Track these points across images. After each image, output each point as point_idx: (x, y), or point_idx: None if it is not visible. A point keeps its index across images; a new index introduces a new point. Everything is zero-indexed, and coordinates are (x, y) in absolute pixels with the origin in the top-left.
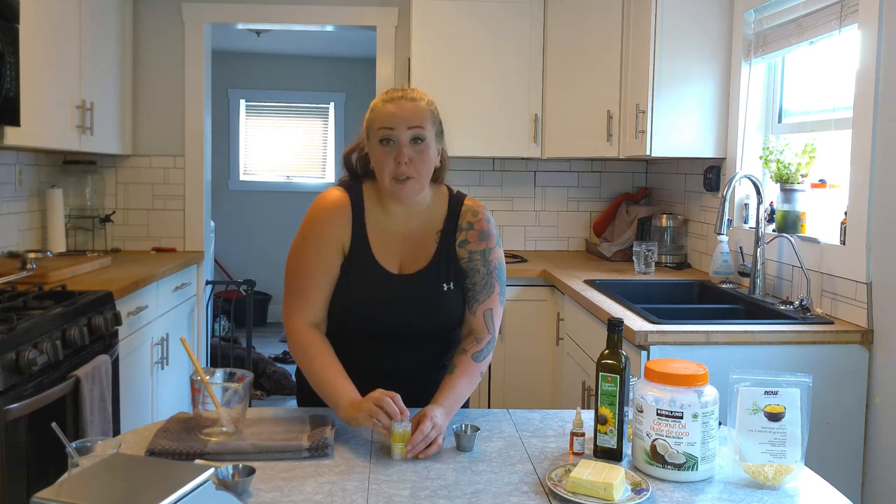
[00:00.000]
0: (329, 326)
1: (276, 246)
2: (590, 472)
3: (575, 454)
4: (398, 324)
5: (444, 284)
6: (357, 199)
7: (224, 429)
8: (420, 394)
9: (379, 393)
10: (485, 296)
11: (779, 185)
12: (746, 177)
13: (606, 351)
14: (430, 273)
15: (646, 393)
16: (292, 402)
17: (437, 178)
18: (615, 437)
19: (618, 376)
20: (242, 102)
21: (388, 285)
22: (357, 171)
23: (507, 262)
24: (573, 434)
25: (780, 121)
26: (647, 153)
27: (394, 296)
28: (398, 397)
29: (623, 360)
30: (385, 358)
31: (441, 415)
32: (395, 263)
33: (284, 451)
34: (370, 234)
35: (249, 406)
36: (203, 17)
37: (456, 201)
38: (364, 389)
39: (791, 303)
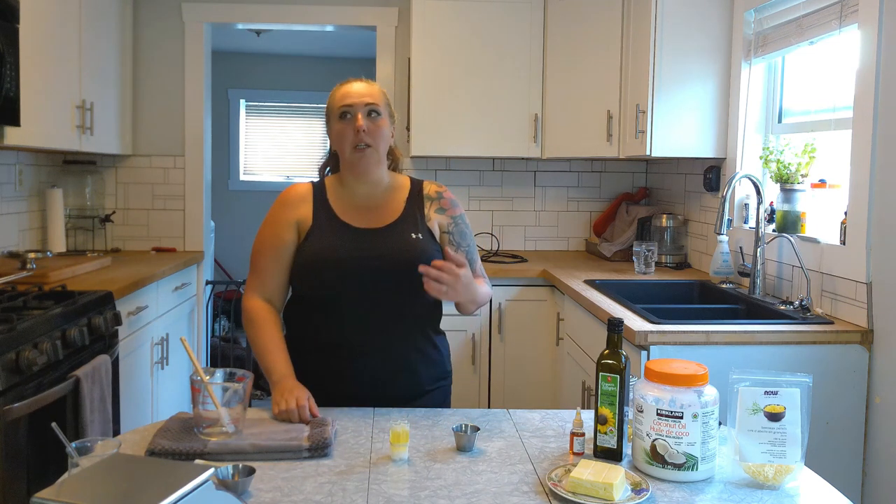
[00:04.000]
0: (304, 293)
1: None
2: (590, 472)
3: (575, 454)
4: (369, 268)
5: (413, 234)
6: (319, 185)
7: (224, 429)
8: (393, 387)
9: (300, 399)
10: (475, 253)
11: (779, 185)
12: (746, 177)
13: (606, 351)
14: (397, 225)
15: (646, 393)
16: None
17: (394, 166)
18: (615, 437)
19: (618, 376)
20: (242, 102)
21: (355, 237)
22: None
23: (507, 263)
24: (573, 434)
25: (780, 121)
26: (647, 153)
27: (362, 243)
28: (307, 405)
29: (623, 360)
30: (359, 325)
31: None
32: (362, 224)
33: (284, 451)
34: (334, 207)
35: (249, 406)
36: (203, 17)
37: (416, 181)
38: (339, 366)
39: (791, 303)
